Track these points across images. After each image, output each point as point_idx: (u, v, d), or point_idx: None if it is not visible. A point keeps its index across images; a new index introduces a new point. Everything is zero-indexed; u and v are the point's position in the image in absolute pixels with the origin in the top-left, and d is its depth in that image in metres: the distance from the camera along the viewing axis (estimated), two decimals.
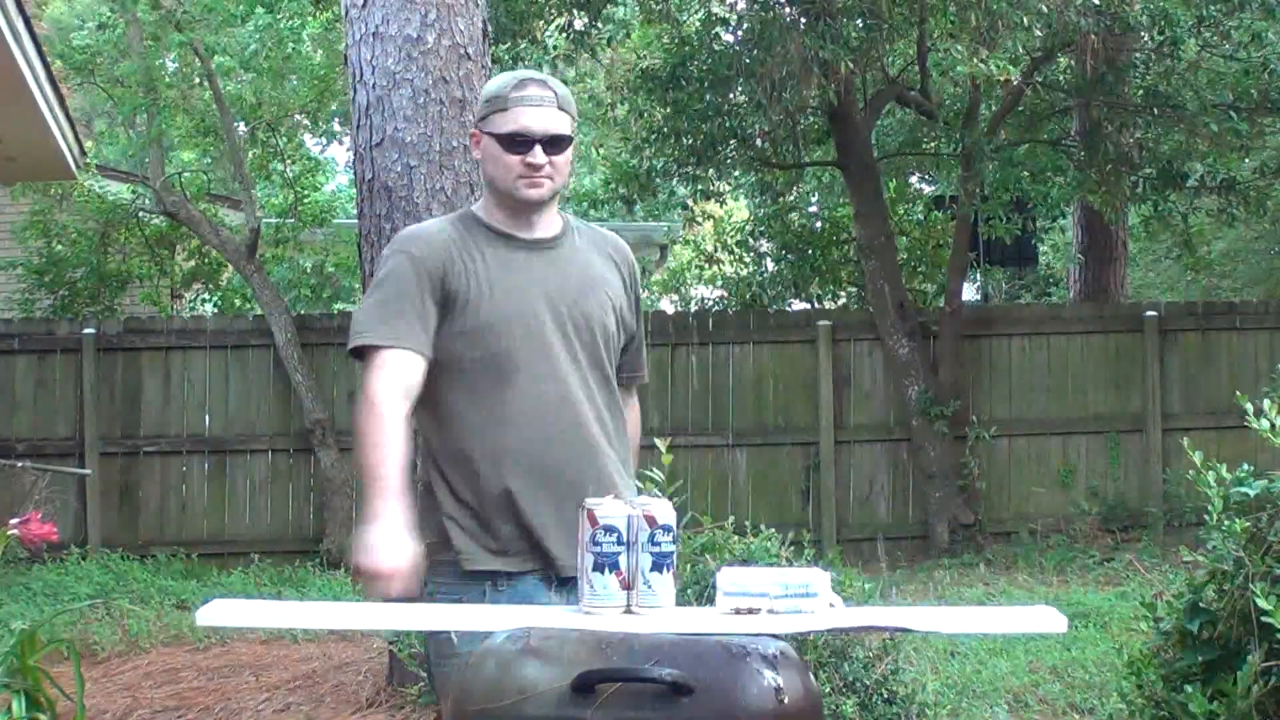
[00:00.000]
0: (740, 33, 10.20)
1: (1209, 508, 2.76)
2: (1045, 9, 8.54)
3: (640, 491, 2.36)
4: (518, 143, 2.58)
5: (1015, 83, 9.49)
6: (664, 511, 2.23)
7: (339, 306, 13.95)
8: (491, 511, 2.56)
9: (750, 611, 2.17)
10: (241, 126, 11.71)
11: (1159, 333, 10.39)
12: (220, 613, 2.25)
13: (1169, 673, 2.81)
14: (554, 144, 2.60)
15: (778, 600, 2.17)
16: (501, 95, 2.62)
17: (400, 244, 2.67)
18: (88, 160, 10.38)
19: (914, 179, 15.33)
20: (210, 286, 12.63)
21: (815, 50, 8.65)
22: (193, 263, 12.33)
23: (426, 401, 2.61)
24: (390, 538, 2.44)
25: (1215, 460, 2.81)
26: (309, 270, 13.58)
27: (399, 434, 2.51)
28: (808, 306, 12.17)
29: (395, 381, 2.53)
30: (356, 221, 5.57)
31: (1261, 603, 2.54)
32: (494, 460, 2.57)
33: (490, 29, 5.80)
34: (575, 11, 10.64)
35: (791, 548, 4.33)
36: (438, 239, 2.63)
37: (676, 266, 16.80)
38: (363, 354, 2.57)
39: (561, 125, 2.62)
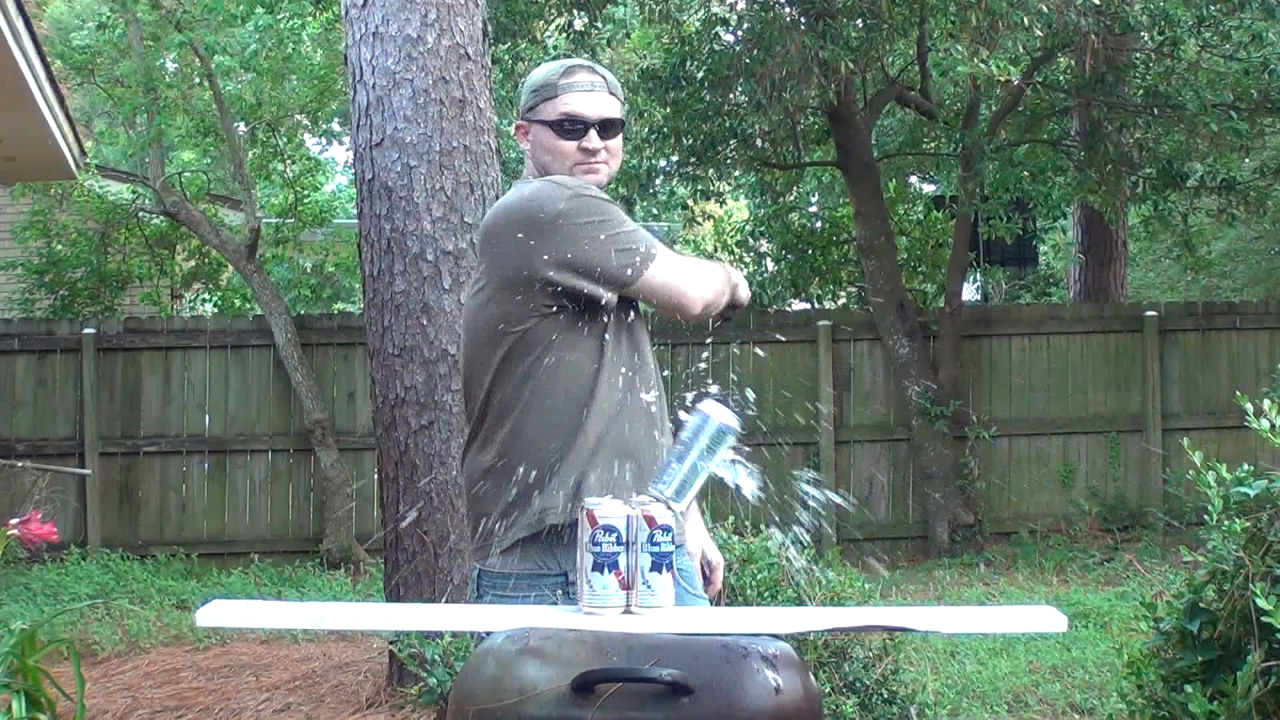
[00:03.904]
0: (740, 33, 10.20)
1: (1209, 508, 2.76)
2: (1045, 9, 8.53)
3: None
4: (571, 128, 2.57)
5: (1015, 83, 9.49)
6: (663, 512, 2.23)
7: (339, 306, 13.97)
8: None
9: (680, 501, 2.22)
10: (241, 126, 11.70)
11: (1159, 333, 10.40)
12: (220, 613, 2.25)
13: (1169, 673, 2.81)
14: (607, 128, 2.60)
15: (703, 474, 2.22)
16: (550, 83, 2.60)
17: (571, 185, 2.54)
18: (88, 160, 10.38)
19: (914, 179, 15.34)
20: (210, 286, 12.63)
21: (815, 50, 8.65)
22: (193, 263, 12.33)
23: (529, 363, 2.51)
24: None
25: (1215, 460, 2.81)
26: (309, 270, 13.59)
27: None
28: (808, 306, 12.17)
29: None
30: (356, 221, 5.57)
31: (1261, 603, 2.53)
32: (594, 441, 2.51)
33: (490, 29, 5.80)
34: (575, 11, 10.63)
35: (791, 548, 4.32)
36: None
37: None
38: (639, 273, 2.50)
39: (613, 109, 2.62)
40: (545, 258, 2.45)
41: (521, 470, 2.49)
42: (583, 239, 2.46)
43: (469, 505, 2.60)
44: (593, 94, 2.59)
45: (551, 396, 2.49)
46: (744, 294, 2.67)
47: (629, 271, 2.47)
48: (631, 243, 2.49)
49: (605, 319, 2.51)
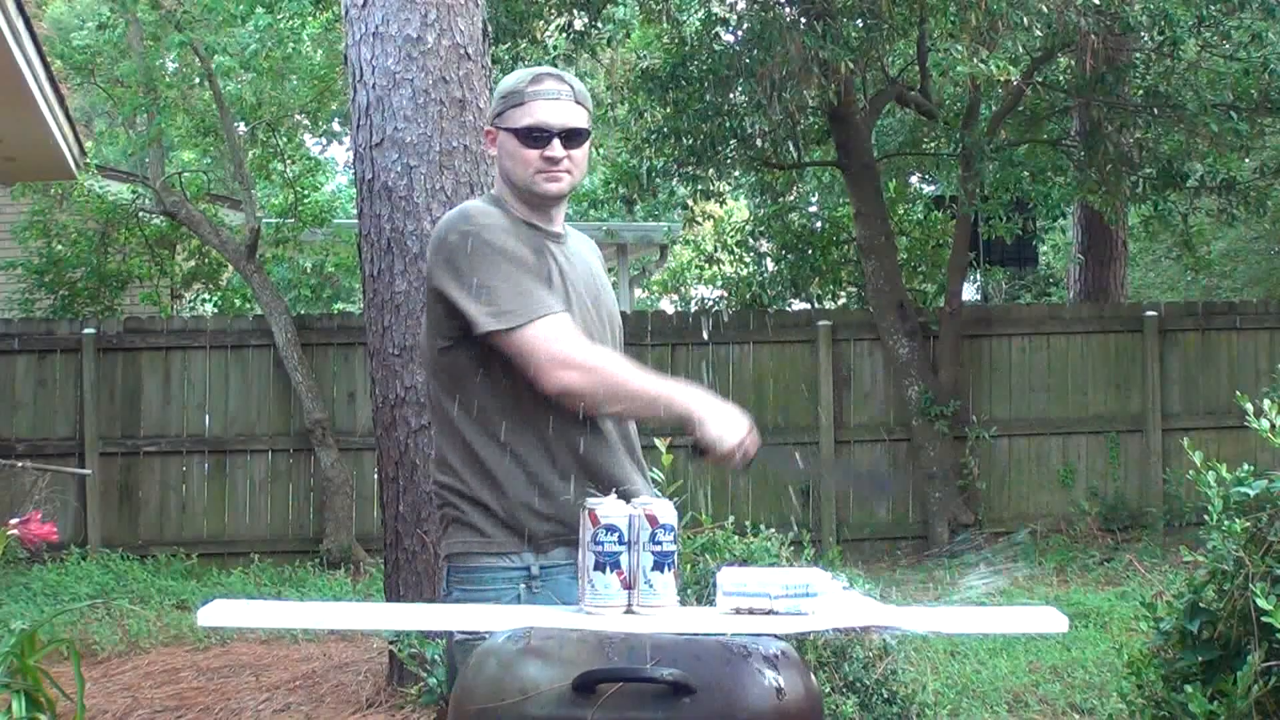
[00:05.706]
0: (740, 33, 10.20)
1: (1209, 508, 2.76)
2: (1045, 9, 8.54)
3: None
4: (535, 136, 2.57)
5: (1015, 83, 9.49)
6: (665, 511, 2.23)
7: (339, 306, 13.96)
8: (548, 499, 2.50)
9: (751, 612, 2.17)
10: (241, 126, 11.70)
11: (1159, 333, 10.40)
12: (220, 613, 2.25)
13: (1169, 673, 2.82)
14: (572, 137, 2.60)
15: (778, 600, 2.17)
16: (518, 90, 2.61)
17: (478, 223, 2.54)
18: (88, 160, 10.38)
19: (914, 179, 15.34)
20: (210, 286, 12.63)
21: (815, 50, 8.65)
22: (193, 263, 12.33)
23: (485, 391, 2.53)
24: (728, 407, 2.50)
25: (1215, 460, 2.81)
26: (309, 270, 13.58)
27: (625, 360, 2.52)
28: (808, 306, 12.17)
29: (576, 332, 2.49)
30: (356, 221, 5.58)
31: (1261, 603, 2.54)
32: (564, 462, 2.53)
33: (490, 29, 5.80)
34: (575, 11, 10.64)
35: (792, 548, 4.33)
36: (506, 222, 2.58)
37: (676, 266, 16.81)
38: (510, 333, 2.46)
39: (579, 119, 2.62)
40: (435, 272, 2.53)
41: (475, 493, 2.51)
42: (458, 273, 2.49)
43: (439, 509, 2.62)
44: (558, 102, 2.59)
45: (499, 434, 2.51)
46: (713, 432, 2.45)
47: (485, 325, 2.46)
48: (500, 301, 2.46)
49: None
